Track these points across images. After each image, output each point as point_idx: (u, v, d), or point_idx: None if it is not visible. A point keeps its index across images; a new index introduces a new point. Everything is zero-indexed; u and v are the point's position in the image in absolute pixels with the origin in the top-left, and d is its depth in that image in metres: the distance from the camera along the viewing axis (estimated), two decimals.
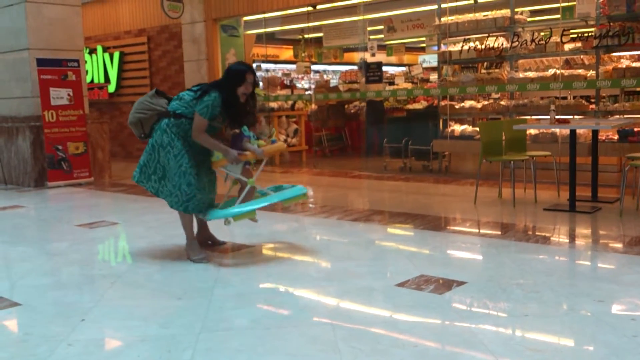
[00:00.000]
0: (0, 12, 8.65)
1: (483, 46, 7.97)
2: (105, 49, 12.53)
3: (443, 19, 8.53)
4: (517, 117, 7.66)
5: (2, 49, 8.68)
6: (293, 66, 15.58)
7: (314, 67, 16.21)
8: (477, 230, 5.05)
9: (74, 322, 3.10)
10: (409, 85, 12.73)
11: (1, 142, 8.54)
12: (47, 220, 6.28)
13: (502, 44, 7.84)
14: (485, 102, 8.32)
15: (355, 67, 14.63)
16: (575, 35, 7.22)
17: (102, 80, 12.64)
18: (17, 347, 2.80)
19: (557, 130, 7.11)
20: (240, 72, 4.11)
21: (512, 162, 6.02)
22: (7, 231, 5.80)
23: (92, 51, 12.61)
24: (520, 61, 8.07)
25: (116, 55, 12.31)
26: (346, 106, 12.00)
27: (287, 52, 16.68)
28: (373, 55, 9.89)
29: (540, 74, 7.61)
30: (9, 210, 6.68)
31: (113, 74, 12.43)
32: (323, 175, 8.75)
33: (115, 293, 3.63)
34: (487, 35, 7.98)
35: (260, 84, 13.21)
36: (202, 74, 10.77)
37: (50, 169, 8.21)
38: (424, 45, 14.86)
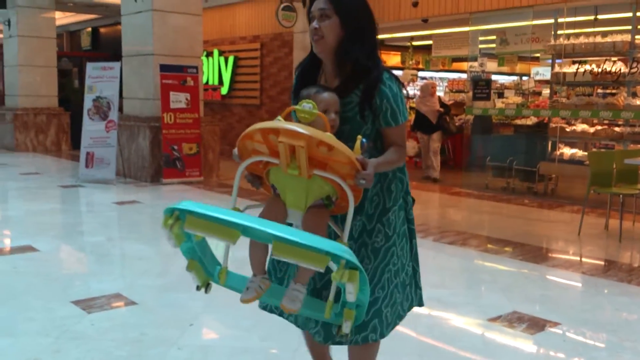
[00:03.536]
0: (129, 19, 9.34)
1: (600, 69, 7.70)
2: (221, 53, 13.16)
3: (560, 32, 8.31)
4: (631, 146, 7.33)
5: (129, 53, 9.37)
6: (400, 72, 15.65)
7: (420, 73, 16.19)
8: (578, 265, 4.94)
9: (184, 326, 3.39)
10: (518, 99, 12.43)
11: (123, 139, 9.22)
12: (161, 219, 6.75)
13: (620, 69, 7.54)
14: (599, 127, 8.02)
15: (464, 76, 14.47)
16: None
17: (216, 82, 13.29)
18: (133, 347, 3.11)
19: None
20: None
21: (621, 195, 5.81)
22: (125, 227, 6.31)
23: (209, 54, 13.28)
24: (639, 87, 7.72)
25: (231, 59, 12.90)
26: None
27: (394, 59, 16.76)
28: (483, 71, 9.78)
29: None
30: (128, 205, 7.24)
31: (227, 77, 13.04)
32: (422, 189, 8.77)
33: (222, 300, 3.89)
34: (604, 59, 7.70)
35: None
36: None
37: (165, 167, 8.78)
38: (538, 55, 14.43)
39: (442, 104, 9.83)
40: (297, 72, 2.33)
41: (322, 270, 1.76)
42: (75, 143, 11.62)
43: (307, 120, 1.94)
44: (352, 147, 1.92)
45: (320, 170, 1.92)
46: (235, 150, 2.04)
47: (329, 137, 1.85)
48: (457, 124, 11.66)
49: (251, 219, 1.76)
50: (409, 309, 2.34)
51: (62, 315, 3.50)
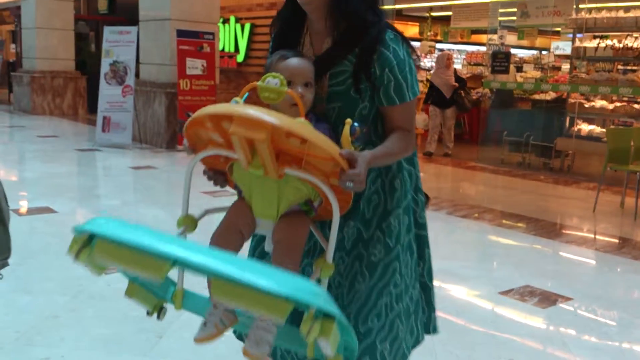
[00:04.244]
0: None
1: (621, 45, 7.57)
2: (237, 20, 13.07)
3: (581, 6, 8.18)
4: None
5: (146, 17, 9.33)
6: (417, 44, 15.47)
7: (438, 45, 16.00)
8: (591, 242, 4.93)
9: (199, 289, 3.43)
10: (537, 73, 12.28)
11: (140, 104, 9.24)
12: (176, 184, 6.81)
13: None
14: (618, 104, 7.93)
15: (482, 49, 14.28)
16: None
17: (232, 50, 13.23)
18: None
19: None
20: None
21: (638, 172, 5.76)
22: (141, 191, 6.37)
23: (225, 21, 13.19)
24: None
25: (247, 26, 12.82)
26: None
27: (412, 29, 16.56)
28: (502, 44, 9.65)
29: None
30: (143, 170, 7.29)
31: (243, 44, 12.97)
32: (436, 162, 8.74)
33: None
34: (626, 34, 7.56)
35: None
36: None
37: (181, 134, 8.81)
38: (558, 29, 14.19)
39: (457, 77, 9.38)
40: (275, 32, 1.75)
41: (281, 323, 1.22)
42: (92, 107, 11.67)
43: (272, 101, 1.43)
44: (339, 134, 1.46)
45: (295, 167, 1.43)
46: (186, 142, 1.55)
47: (300, 126, 1.34)
48: (474, 97, 11.46)
49: (186, 244, 1.20)
50: (415, 344, 1.79)
51: (79, 276, 3.56)
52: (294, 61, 1.57)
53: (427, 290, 1.84)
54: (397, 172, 1.71)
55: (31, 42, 12.85)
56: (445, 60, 9.15)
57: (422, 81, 11.92)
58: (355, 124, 1.49)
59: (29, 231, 4.48)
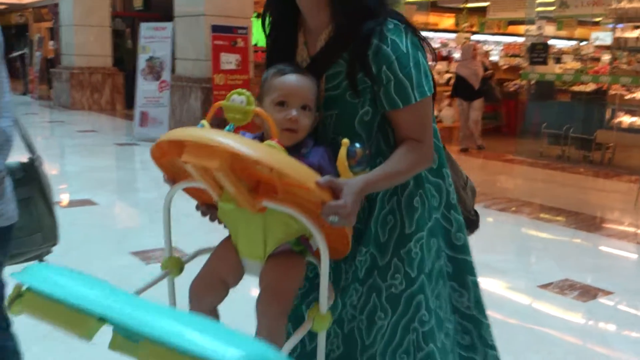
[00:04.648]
0: None
1: None
2: None
3: None
4: None
5: (181, 13, 9.43)
6: (452, 35, 15.29)
7: (474, 37, 15.78)
8: (633, 236, 4.82)
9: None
10: (577, 65, 12.02)
11: (175, 99, 9.35)
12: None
13: None
14: None
15: (520, 40, 14.01)
16: None
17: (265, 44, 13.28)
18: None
19: None
20: None
21: None
22: None
23: (259, 15, 13.24)
24: None
25: None
26: (505, 84, 11.58)
27: (448, 21, 16.37)
28: (541, 34, 9.47)
29: None
30: None
31: None
32: (473, 155, 8.64)
33: None
34: None
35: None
36: None
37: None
38: (598, 19, 13.85)
39: (485, 68, 9.06)
40: (269, 32, 1.49)
41: None
42: (129, 102, 11.85)
43: (239, 122, 1.25)
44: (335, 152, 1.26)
45: (275, 199, 1.22)
46: (164, 174, 1.39)
47: (262, 151, 1.13)
48: (511, 89, 11.29)
49: (122, 297, 0.99)
50: None
51: (122, 265, 3.64)
52: (290, 78, 1.33)
53: (476, 323, 1.60)
54: (415, 188, 1.44)
55: (69, 39, 13.11)
56: (471, 51, 8.96)
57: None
58: (357, 144, 1.25)
59: (71, 223, 4.58)
